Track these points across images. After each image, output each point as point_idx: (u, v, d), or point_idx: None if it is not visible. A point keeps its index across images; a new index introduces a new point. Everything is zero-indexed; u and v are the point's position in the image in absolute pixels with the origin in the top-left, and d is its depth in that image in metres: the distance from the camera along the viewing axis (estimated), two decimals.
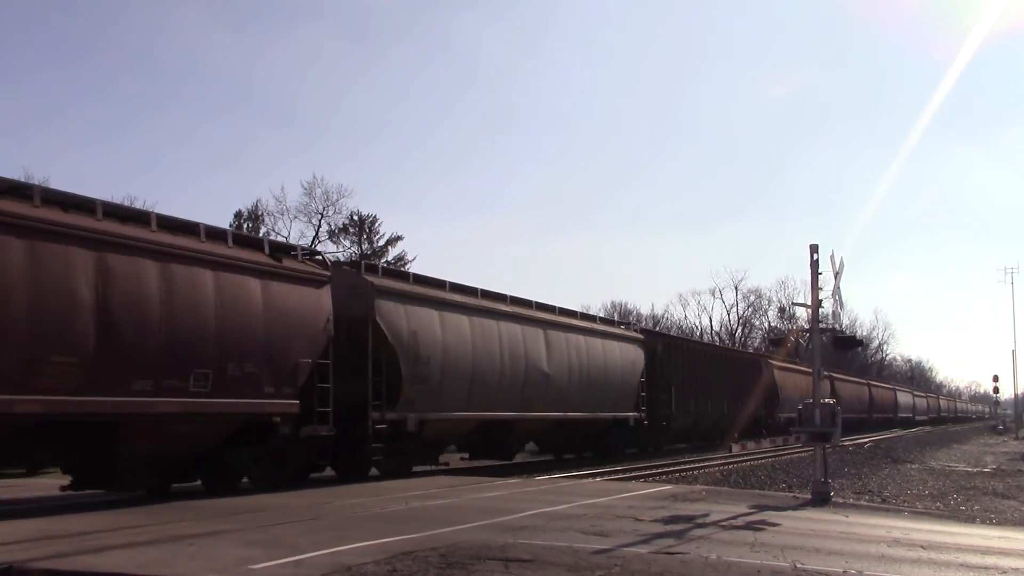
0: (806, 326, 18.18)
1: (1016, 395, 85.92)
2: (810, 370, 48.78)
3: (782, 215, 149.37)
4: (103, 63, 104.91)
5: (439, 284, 20.99)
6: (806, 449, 24.84)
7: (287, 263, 16.05)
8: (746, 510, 13.12)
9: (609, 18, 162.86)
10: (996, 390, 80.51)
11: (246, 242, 16.05)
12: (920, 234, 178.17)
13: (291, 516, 11.37)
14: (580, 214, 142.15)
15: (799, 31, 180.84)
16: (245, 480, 15.74)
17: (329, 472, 18.63)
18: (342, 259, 43.97)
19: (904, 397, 79.11)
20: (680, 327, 79.32)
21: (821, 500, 15.03)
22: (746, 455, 28.63)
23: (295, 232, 49.83)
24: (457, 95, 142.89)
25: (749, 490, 18.98)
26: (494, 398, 21.40)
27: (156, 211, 14.94)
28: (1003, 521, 15.02)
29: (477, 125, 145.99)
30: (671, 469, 23.69)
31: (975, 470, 29.16)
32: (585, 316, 27.75)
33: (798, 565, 8.40)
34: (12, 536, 9.22)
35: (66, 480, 14.11)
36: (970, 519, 15.12)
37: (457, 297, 21.08)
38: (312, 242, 48.56)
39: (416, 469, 19.74)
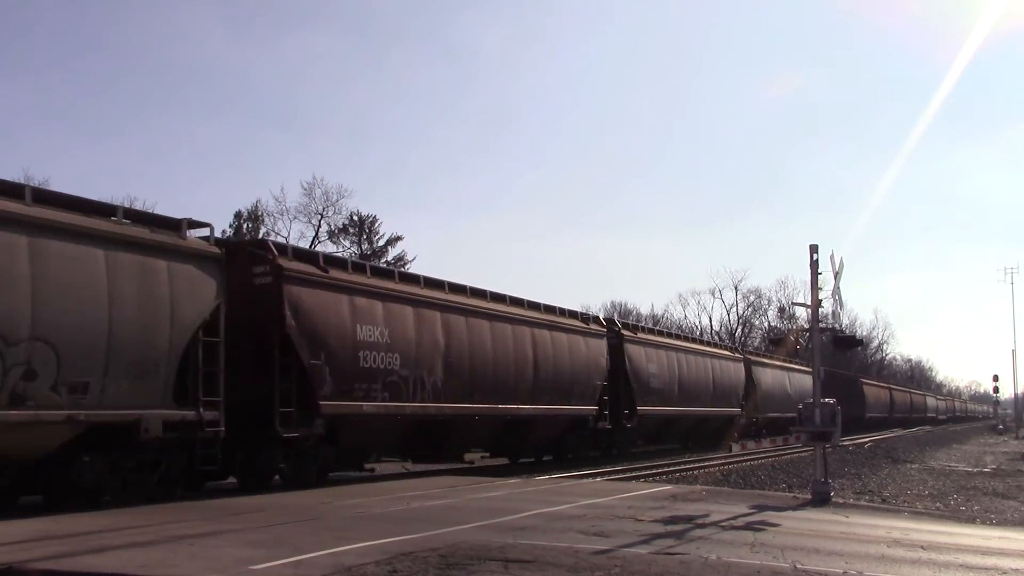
0: (806, 326, 18.18)
1: (1016, 395, 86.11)
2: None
3: (782, 215, 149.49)
4: (103, 63, 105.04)
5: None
6: (806, 449, 24.84)
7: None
8: (746, 510, 13.12)
9: (609, 19, 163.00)
10: (996, 390, 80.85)
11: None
12: (920, 234, 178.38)
13: (291, 516, 11.37)
14: (580, 214, 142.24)
15: (800, 31, 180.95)
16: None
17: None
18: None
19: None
20: (680, 327, 79.27)
21: (821, 500, 15.03)
22: (746, 455, 28.64)
23: (295, 232, 49.89)
24: (457, 95, 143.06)
25: (749, 490, 18.99)
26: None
27: (156, 211, 14.59)
28: (1003, 521, 15.03)
29: (477, 125, 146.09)
30: (671, 469, 23.68)
31: (975, 470, 29.19)
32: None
33: (798, 565, 8.40)
34: (12, 536, 9.22)
35: None
36: (970, 519, 15.12)
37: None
38: (312, 242, 48.57)
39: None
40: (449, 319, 20.42)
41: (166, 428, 13.24)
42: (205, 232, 14.70)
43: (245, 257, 16.25)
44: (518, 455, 25.25)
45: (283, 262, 16.15)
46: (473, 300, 21.84)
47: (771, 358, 48.07)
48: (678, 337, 37.86)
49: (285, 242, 17.16)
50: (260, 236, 44.22)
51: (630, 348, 29.57)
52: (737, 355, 42.31)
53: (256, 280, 15.93)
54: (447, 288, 21.08)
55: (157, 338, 13.14)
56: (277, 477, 16.41)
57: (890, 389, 75.78)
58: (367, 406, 17.48)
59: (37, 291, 11.60)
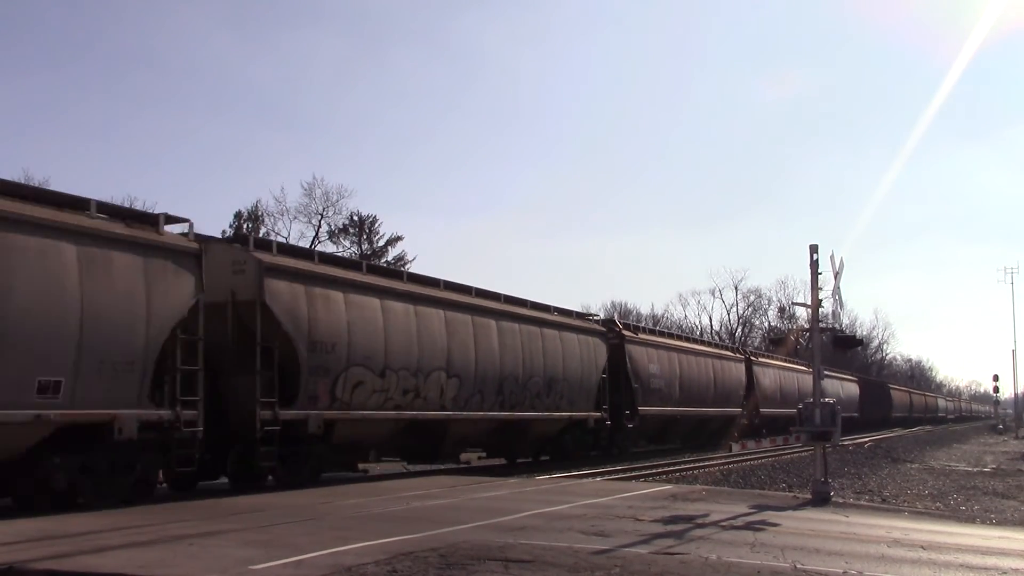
0: (806, 326, 18.18)
1: (1016, 395, 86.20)
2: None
3: (782, 215, 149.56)
4: (104, 63, 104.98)
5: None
6: (806, 449, 24.84)
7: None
8: (746, 510, 13.12)
9: (610, 19, 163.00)
10: (996, 390, 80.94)
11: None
12: (920, 234, 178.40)
13: (291, 516, 11.37)
14: (580, 214, 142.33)
15: (800, 31, 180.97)
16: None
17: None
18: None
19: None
20: (680, 327, 79.32)
21: (821, 500, 15.04)
22: (746, 455, 28.64)
23: (295, 232, 49.89)
24: (458, 95, 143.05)
25: (749, 490, 18.99)
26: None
27: (156, 211, 14.52)
28: (1003, 521, 15.02)
29: (477, 125, 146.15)
30: (671, 469, 23.68)
31: (975, 470, 29.18)
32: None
33: (798, 565, 8.40)
34: (12, 536, 9.22)
35: None
36: (970, 519, 15.12)
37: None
38: (312, 242, 48.56)
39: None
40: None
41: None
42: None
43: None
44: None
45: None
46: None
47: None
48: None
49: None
50: (260, 236, 44.12)
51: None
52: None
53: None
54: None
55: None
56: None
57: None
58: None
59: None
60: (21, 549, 8.51)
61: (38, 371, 11.64)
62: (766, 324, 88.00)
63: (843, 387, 56.86)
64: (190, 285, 13.84)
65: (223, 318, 15.21)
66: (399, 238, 53.99)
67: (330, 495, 14.55)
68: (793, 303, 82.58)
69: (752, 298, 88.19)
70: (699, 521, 11.59)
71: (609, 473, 21.93)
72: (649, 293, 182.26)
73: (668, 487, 17.43)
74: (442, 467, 21.84)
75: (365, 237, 53.25)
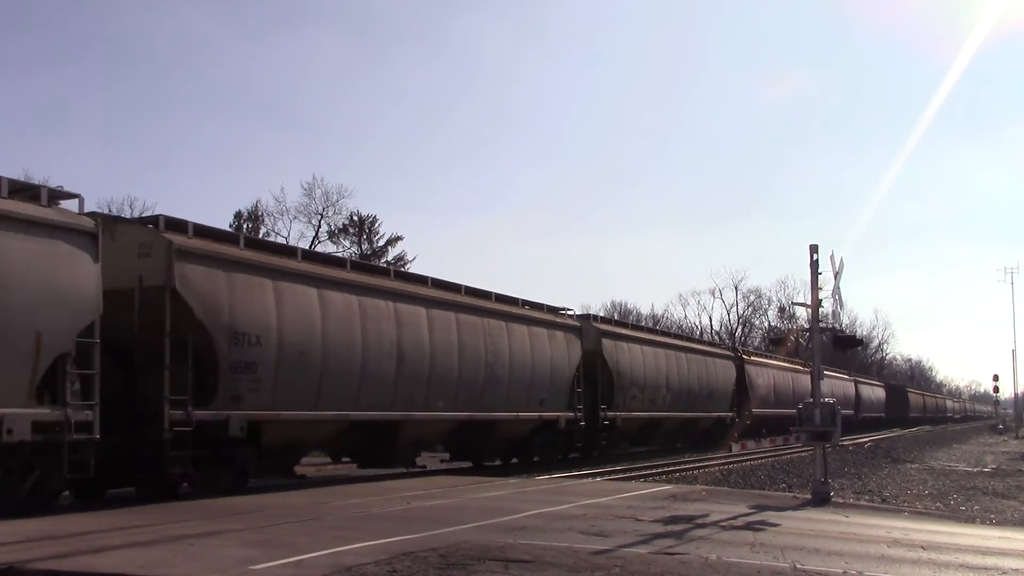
0: (806, 326, 18.18)
1: (1016, 395, 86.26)
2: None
3: (782, 215, 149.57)
4: (103, 63, 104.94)
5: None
6: (806, 449, 24.84)
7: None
8: (746, 510, 13.12)
9: (610, 19, 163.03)
10: (996, 389, 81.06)
11: None
12: (920, 234, 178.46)
13: (291, 516, 11.38)
14: (580, 214, 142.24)
15: (800, 31, 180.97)
16: None
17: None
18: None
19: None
20: (680, 327, 79.31)
21: (821, 500, 15.04)
22: (746, 455, 28.64)
23: (295, 232, 49.84)
24: (458, 95, 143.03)
25: (749, 490, 18.99)
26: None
27: (156, 211, 14.09)
28: (1003, 521, 15.02)
29: (477, 126, 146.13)
30: (671, 469, 23.68)
31: (975, 470, 29.16)
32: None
33: (798, 566, 8.40)
34: (12, 536, 9.22)
35: None
36: (970, 519, 15.12)
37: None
38: (312, 242, 48.55)
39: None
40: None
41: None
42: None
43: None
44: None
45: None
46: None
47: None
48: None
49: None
50: (260, 235, 44.13)
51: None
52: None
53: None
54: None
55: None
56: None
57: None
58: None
59: None
60: (21, 549, 8.51)
61: None
62: (766, 324, 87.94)
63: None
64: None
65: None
66: (399, 238, 53.90)
67: (330, 495, 14.56)
68: (793, 303, 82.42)
69: (752, 298, 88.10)
70: (699, 521, 11.59)
71: (609, 473, 21.92)
72: (649, 293, 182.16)
73: (668, 487, 17.43)
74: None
75: (365, 237, 53.20)
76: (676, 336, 38.48)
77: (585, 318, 28.07)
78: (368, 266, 19.81)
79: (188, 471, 14.17)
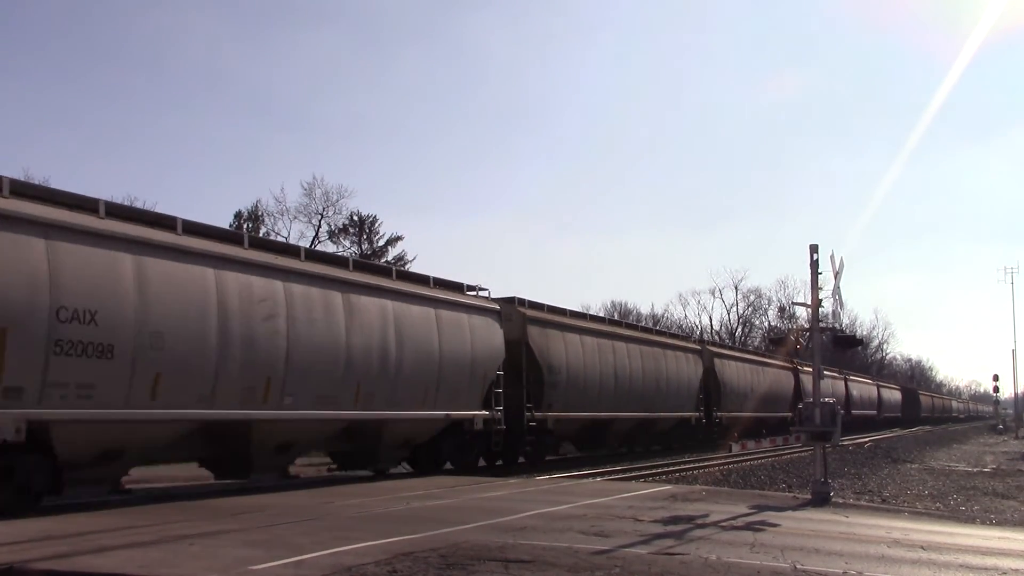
0: (806, 326, 18.19)
1: (1016, 395, 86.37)
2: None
3: (782, 215, 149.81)
4: (104, 63, 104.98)
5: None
6: (806, 449, 24.84)
7: None
8: (746, 510, 13.13)
9: (610, 20, 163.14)
10: (996, 389, 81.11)
11: None
12: (921, 234, 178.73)
13: (291, 516, 11.38)
14: (580, 214, 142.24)
15: (800, 31, 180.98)
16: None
17: None
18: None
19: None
20: (680, 327, 79.29)
21: (821, 500, 15.04)
22: (746, 455, 28.64)
23: (295, 232, 49.82)
24: (459, 96, 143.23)
25: (749, 490, 18.99)
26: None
27: (156, 211, 13.69)
28: (1003, 521, 15.02)
29: (478, 126, 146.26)
30: (671, 469, 23.71)
31: (975, 470, 29.17)
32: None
33: (798, 566, 8.40)
34: (12, 536, 9.22)
35: None
36: (970, 519, 15.12)
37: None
38: (312, 242, 48.54)
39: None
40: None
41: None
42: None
43: None
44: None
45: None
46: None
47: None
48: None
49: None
50: (260, 235, 44.11)
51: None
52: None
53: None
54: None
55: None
56: None
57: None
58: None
59: None
60: (21, 549, 8.51)
61: None
62: (766, 324, 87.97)
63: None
64: None
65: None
66: (399, 238, 53.88)
67: (331, 495, 14.55)
68: (793, 303, 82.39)
69: (752, 298, 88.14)
70: (699, 521, 11.59)
71: (609, 473, 21.99)
72: (649, 293, 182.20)
73: (668, 487, 17.43)
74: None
75: (365, 237, 53.20)
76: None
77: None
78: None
79: None
